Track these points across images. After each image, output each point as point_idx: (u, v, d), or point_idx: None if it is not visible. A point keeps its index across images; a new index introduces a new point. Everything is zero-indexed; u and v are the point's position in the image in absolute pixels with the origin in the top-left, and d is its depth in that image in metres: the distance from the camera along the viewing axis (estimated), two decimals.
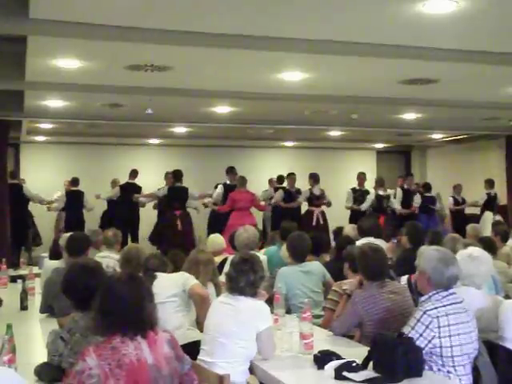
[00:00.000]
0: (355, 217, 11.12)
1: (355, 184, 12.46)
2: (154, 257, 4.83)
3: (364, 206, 11.42)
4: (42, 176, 13.37)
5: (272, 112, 10.25)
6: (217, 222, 10.76)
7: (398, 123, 11.81)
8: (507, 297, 4.60)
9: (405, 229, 6.36)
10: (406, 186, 12.62)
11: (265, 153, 15.64)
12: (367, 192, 11.64)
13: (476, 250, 4.25)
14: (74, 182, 11.90)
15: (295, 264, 5.19)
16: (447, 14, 4.94)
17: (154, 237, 11.92)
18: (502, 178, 13.68)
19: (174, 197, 10.64)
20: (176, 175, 10.78)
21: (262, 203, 11.53)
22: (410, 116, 10.97)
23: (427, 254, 3.60)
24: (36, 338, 4.12)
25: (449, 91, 8.41)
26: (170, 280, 4.46)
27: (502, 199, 13.62)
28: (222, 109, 9.86)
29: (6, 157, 10.33)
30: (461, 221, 12.19)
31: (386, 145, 16.34)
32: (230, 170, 11.26)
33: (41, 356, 3.34)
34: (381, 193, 11.57)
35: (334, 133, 13.49)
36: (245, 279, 3.60)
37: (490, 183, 12.75)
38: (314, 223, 10.84)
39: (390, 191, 13.30)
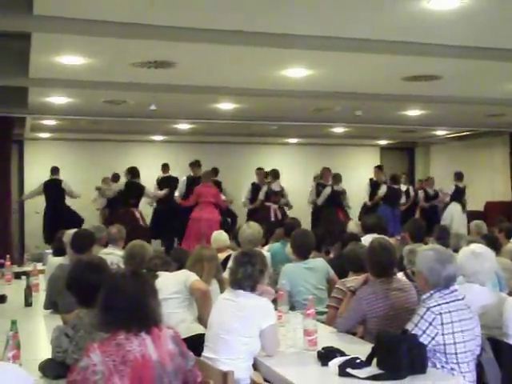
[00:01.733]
0: (314, 211, 11.72)
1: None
2: (157, 257, 4.85)
3: (319, 200, 11.57)
4: (46, 173, 13.35)
5: (276, 109, 10.24)
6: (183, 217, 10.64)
7: (402, 120, 11.79)
8: (511, 293, 4.59)
9: (406, 225, 6.35)
10: (374, 179, 12.67)
11: (269, 149, 15.63)
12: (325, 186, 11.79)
13: (479, 247, 4.23)
14: (115, 177, 11.96)
15: (299, 261, 5.20)
16: (451, 10, 4.92)
17: None
18: (506, 174, 13.67)
19: (131, 193, 10.47)
20: (131, 172, 10.62)
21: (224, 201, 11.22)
22: (413, 113, 10.95)
23: (423, 254, 3.57)
24: (40, 335, 4.13)
25: (453, 88, 8.39)
26: (173, 277, 4.49)
27: (506, 196, 13.61)
28: (226, 105, 9.86)
29: (10, 154, 10.37)
30: (430, 213, 12.53)
31: (389, 141, 16.33)
32: (195, 163, 11.13)
33: (45, 352, 3.35)
34: (336, 188, 11.61)
35: (338, 129, 13.48)
36: (242, 271, 3.62)
37: (458, 176, 12.80)
38: (272, 218, 10.68)
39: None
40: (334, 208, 11.34)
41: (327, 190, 11.56)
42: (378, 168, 12.94)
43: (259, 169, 11.96)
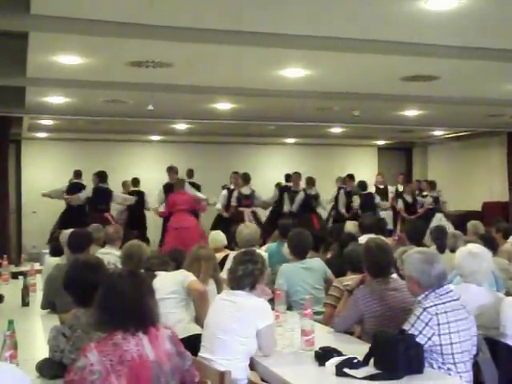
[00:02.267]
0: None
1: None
2: (154, 257, 4.84)
3: (294, 207, 11.26)
4: (43, 173, 13.37)
5: (274, 109, 10.24)
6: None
7: (400, 120, 11.80)
8: (508, 294, 4.60)
9: (404, 226, 6.36)
10: (348, 188, 12.44)
11: (266, 150, 15.62)
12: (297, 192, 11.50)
13: (476, 247, 4.25)
14: (136, 182, 12.00)
15: (296, 261, 5.20)
16: (449, 10, 4.93)
17: None
18: (503, 175, 13.68)
19: (99, 199, 10.36)
20: (100, 175, 10.47)
21: (204, 203, 10.77)
22: (411, 113, 10.96)
23: (410, 258, 3.59)
24: (37, 334, 4.12)
25: (451, 88, 8.40)
26: (170, 277, 4.49)
27: (503, 196, 13.63)
28: (224, 105, 9.85)
29: (7, 153, 10.36)
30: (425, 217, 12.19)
31: (387, 142, 16.34)
32: (171, 169, 10.85)
33: (42, 352, 3.34)
34: (309, 192, 11.32)
35: (336, 130, 13.49)
36: (243, 268, 3.62)
37: (431, 185, 12.78)
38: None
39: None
40: (308, 214, 11.03)
41: (300, 196, 11.26)
42: (349, 177, 12.74)
43: (235, 173, 11.64)
